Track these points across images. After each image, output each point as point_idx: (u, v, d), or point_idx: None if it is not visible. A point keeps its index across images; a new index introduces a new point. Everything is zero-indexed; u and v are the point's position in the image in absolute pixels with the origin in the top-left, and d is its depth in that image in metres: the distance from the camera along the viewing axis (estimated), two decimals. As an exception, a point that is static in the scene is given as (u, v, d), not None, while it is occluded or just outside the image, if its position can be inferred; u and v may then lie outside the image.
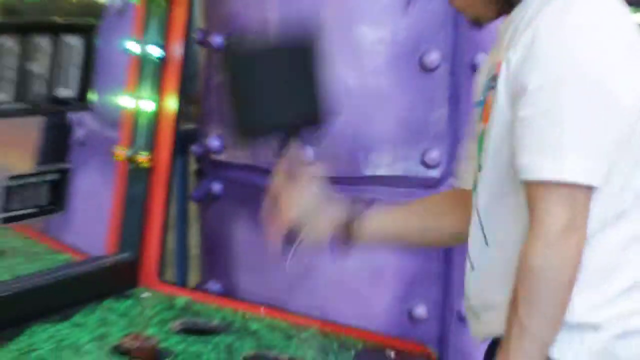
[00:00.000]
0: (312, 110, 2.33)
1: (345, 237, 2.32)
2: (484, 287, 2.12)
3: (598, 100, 1.91)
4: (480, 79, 2.21)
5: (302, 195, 2.28)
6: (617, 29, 1.98)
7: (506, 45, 2.04)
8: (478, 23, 2.20)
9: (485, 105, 2.10)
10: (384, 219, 2.38)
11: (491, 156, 2.03)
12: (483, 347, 2.82)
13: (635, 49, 1.97)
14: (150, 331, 2.75)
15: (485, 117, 2.08)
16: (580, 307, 1.93)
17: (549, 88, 1.90)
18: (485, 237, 2.08)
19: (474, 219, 2.11)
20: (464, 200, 2.28)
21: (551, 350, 1.96)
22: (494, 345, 2.11)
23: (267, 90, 2.29)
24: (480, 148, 2.12)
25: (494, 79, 2.05)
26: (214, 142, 3.20)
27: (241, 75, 2.31)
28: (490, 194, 2.05)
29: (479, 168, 2.10)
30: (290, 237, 2.27)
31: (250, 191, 3.17)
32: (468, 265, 2.17)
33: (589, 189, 1.90)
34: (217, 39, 3.17)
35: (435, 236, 2.42)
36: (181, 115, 3.06)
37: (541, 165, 1.90)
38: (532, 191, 1.92)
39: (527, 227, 1.94)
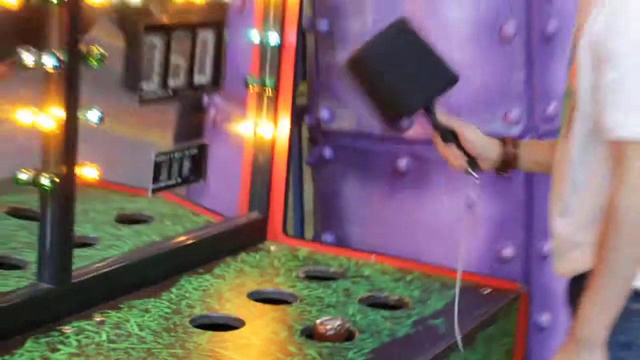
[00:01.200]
0: (440, 77, 2.36)
1: (507, 165, 2.39)
2: (572, 228, 2.11)
3: None
4: (570, 42, 2.17)
5: (466, 140, 2.34)
6: None
7: (584, 7, 2.04)
8: None
9: (571, 68, 2.10)
10: (540, 150, 2.40)
11: (580, 114, 2.03)
12: (562, 282, 2.83)
13: None
14: (278, 279, 2.79)
15: (572, 76, 2.08)
16: None
17: (632, 54, 1.90)
18: (575, 183, 2.08)
19: (565, 168, 2.11)
20: None
21: (638, 280, 1.96)
22: (574, 281, 2.13)
23: (396, 76, 2.31)
24: (567, 103, 2.14)
25: (575, 41, 2.07)
26: (324, 113, 3.22)
27: (369, 73, 2.34)
28: (582, 147, 2.05)
29: (568, 123, 2.09)
30: (470, 168, 2.35)
31: (356, 155, 3.24)
32: (556, 210, 2.17)
33: None
34: (322, 24, 3.18)
35: None
36: (295, 92, 3.07)
37: (628, 123, 1.91)
38: (618, 147, 1.92)
39: (610, 175, 1.96)
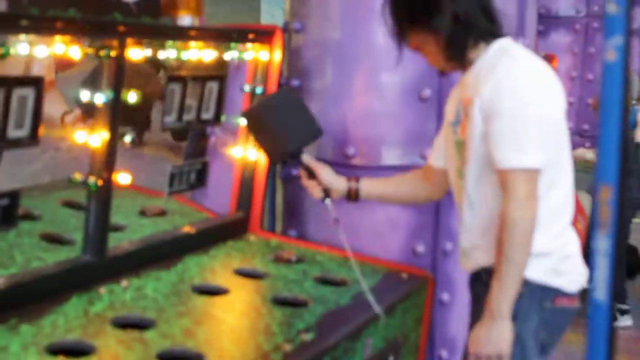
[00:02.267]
0: (310, 131, 2.33)
1: (351, 196, 2.34)
2: (471, 234, 2.12)
3: (542, 115, 1.95)
4: (450, 108, 2.19)
5: (321, 178, 2.31)
6: (543, 71, 2.03)
7: (472, 86, 2.03)
8: (443, 73, 2.21)
9: (461, 124, 2.09)
10: (377, 185, 2.39)
11: (473, 155, 2.03)
12: (459, 271, 2.83)
13: (554, 83, 2.02)
14: (255, 261, 2.77)
15: (462, 132, 2.07)
16: (537, 241, 1.96)
17: (512, 109, 1.93)
18: (471, 203, 2.09)
19: (464, 192, 2.09)
20: (431, 174, 2.30)
21: None
22: (475, 275, 2.14)
23: (277, 127, 2.28)
24: (458, 150, 2.11)
25: (465, 109, 2.06)
26: None
27: (257, 122, 2.33)
28: (475, 177, 2.05)
29: (464, 162, 2.07)
30: (324, 197, 2.32)
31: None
32: (460, 221, 2.16)
33: (539, 170, 1.94)
34: (295, 82, 3.17)
35: (411, 198, 2.43)
36: None
37: (511, 157, 1.93)
38: (506, 175, 1.94)
39: (499, 196, 1.97)
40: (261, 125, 2.33)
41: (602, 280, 1.76)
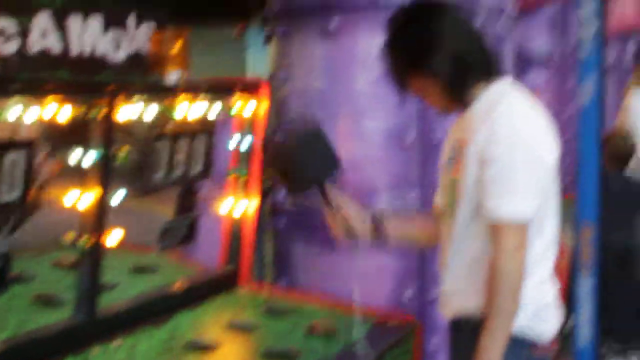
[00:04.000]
0: (331, 164, 2.17)
1: (376, 235, 2.17)
2: (453, 277, 2.06)
3: (534, 164, 1.91)
4: (446, 146, 2.13)
5: (345, 215, 2.12)
6: (538, 118, 1.99)
7: (468, 128, 2.00)
8: (443, 114, 2.13)
9: (455, 165, 2.04)
10: (401, 225, 2.23)
11: (466, 196, 1.98)
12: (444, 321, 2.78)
13: (548, 128, 1.99)
14: (247, 313, 2.75)
15: (455, 171, 2.04)
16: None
17: (505, 157, 1.89)
18: (458, 244, 2.03)
19: (452, 231, 2.03)
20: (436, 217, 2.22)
21: None
22: (455, 324, 2.08)
23: (302, 162, 2.13)
24: (452, 188, 2.06)
25: (460, 149, 2.02)
26: (280, 196, 3.22)
27: (283, 158, 2.19)
28: (465, 218, 1.99)
29: (455, 204, 2.02)
30: (348, 237, 2.13)
31: (302, 224, 3.20)
32: (443, 263, 2.10)
33: (529, 220, 1.90)
34: (280, 135, 3.18)
35: (429, 239, 2.23)
36: (262, 178, 3.05)
37: (502, 208, 1.88)
38: (496, 225, 1.89)
39: (486, 241, 1.91)
40: (284, 155, 2.18)
41: (586, 322, 1.77)
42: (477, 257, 1.98)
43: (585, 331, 1.77)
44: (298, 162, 2.13)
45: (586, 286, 1.76)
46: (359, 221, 2.14)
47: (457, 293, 2.05)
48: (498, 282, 1.89)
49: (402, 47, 2.05)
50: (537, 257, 1.98)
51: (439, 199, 2.19)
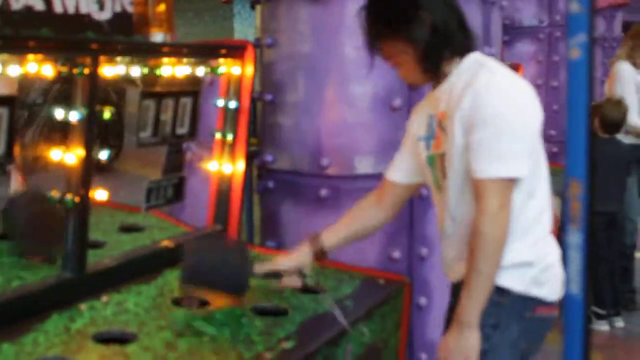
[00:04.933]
0: (244, 261, 2.36)
1: (320, 257, 2.34)
2: (454, 246, 2.08)
3: (520, 126, 1.92)
4: (417, 122, 2.15)
5: (285, 269, 2.34)
6: (520, 82, 2.01)
7: (448, 100, 2.00)
8: (413, 86, 2.20)
9: (436, 140, 2.06)
10: (338, 232, 2.34)
11: (454, 168, 1.99)
12: (435, 275, 2.79)
13: (531, 93, 2.00)
14: None
15: (436, 146, 2.05)
16: (518, 251, 1.95)
17: (492, 120, 1.90)
18: (453, 216, 2.05)
19: (445, 205, 2.06)
20: (386, 192, 2.27)
21: (503, 281, 1.94)
22: (458, 285, 2.07)
23: (218, 277, 2.30)
24: (432, 164, 2.08)
25: (439, 122, 2.03)
26: (268, 157, 3.19)
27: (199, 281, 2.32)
28: (456, 191, 2.01)
29: (444, 176, 2.04)
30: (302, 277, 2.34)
31: (290, 186, 3.20)
32: (442, 233, 2.12)
33: (515, 179, 1.91)
34: (268, 96, 3.18)
35: (371, 228, 2.36)
36: (248, 142, 3.06)
37: (487, 168, 1.89)
38: (481, 185, 1.90)
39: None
40: (205, 282, 2.32)
41: (575, 273, 1.76)
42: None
43: (575, 285, 1.76)
44: (220, 283, 2.30)
45: (576, 238, 1.75)
46: (301, 261, 2.32)
47: (459, 260, 2.05)
48: (478, 243, 1.90)
49: (383, 8, 2.03)
50: (532, 218, 1.99)
51: (395, 175, 2.25)
